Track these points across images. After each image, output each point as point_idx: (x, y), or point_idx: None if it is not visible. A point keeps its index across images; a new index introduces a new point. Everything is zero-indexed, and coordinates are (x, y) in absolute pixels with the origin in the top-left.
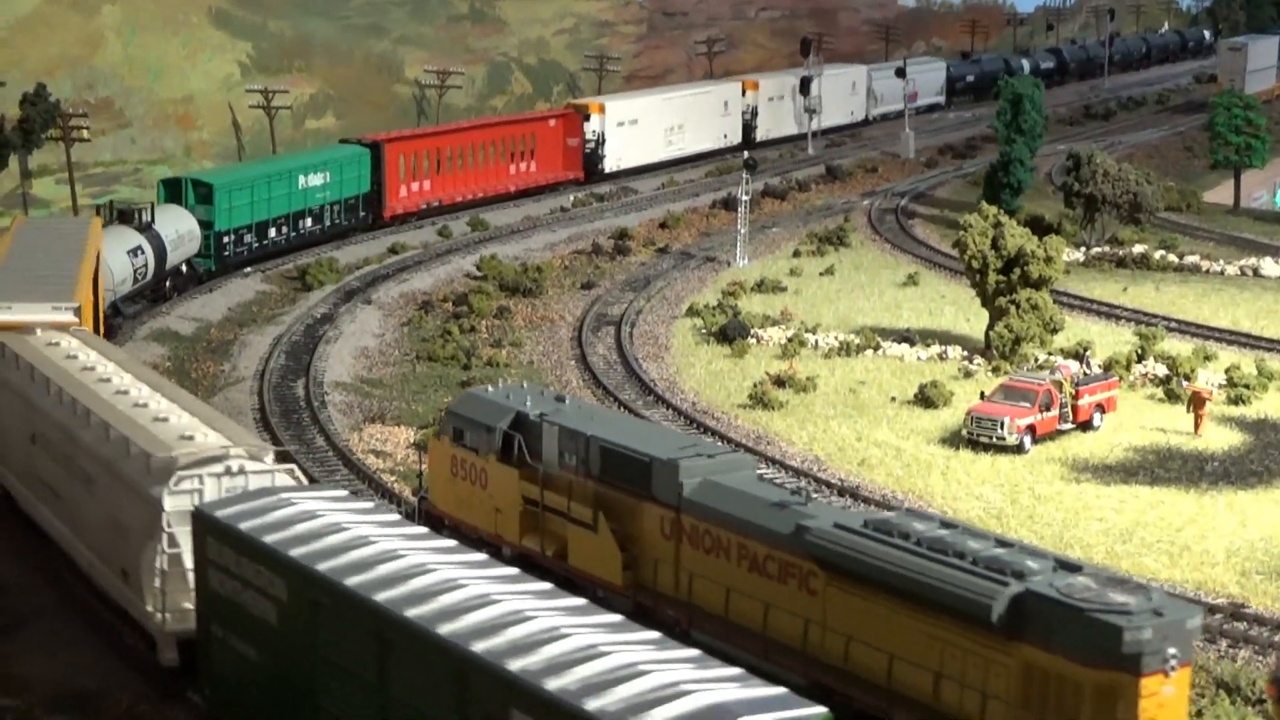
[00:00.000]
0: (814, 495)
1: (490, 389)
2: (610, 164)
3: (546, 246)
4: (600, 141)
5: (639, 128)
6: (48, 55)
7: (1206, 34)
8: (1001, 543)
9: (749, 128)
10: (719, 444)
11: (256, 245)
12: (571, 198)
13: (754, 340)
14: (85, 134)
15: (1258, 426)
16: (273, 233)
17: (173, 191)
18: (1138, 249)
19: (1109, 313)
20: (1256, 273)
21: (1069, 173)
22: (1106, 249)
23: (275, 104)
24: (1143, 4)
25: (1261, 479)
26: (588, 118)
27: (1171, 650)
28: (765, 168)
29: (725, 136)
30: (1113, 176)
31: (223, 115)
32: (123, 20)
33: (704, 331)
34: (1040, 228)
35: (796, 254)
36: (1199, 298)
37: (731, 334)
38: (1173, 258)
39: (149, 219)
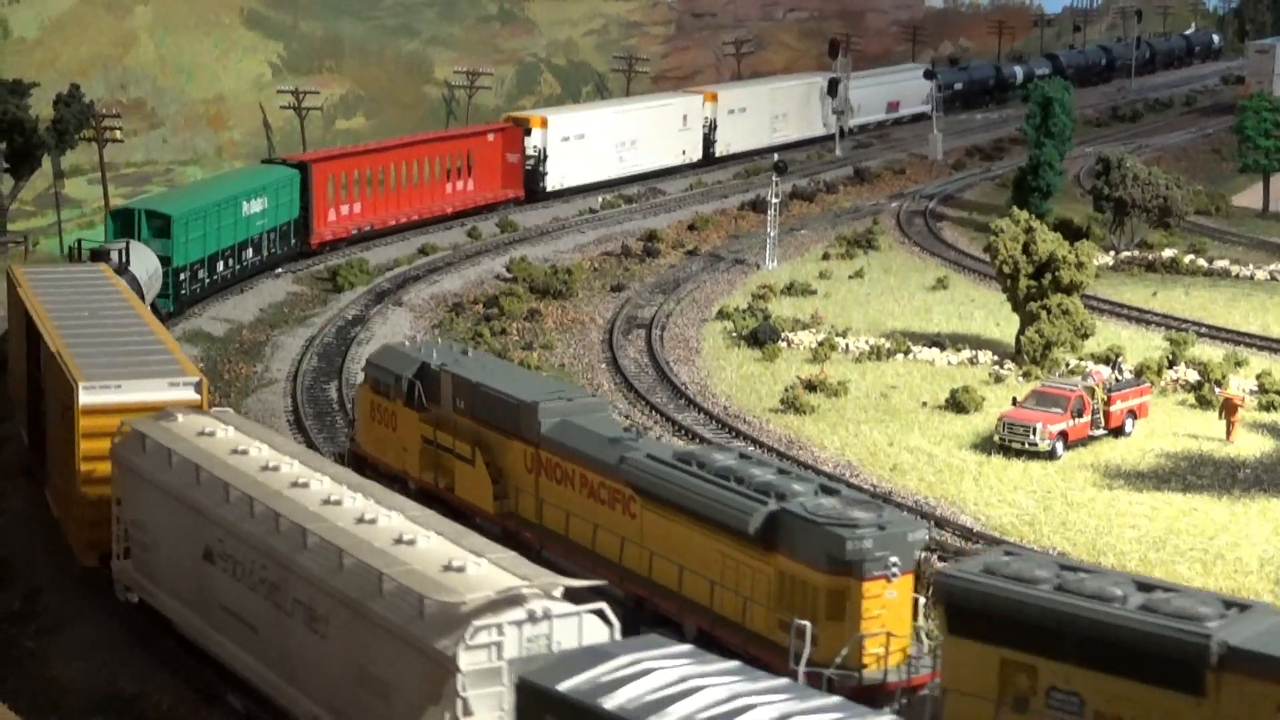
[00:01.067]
0: (645, 432)
1: (406, 344)
2: (552, 182)
3: (575, 248)
4: (542, 158)
5: (586, 143)
6: (80, 56)
7: (1215, 38)
8: (781, 471)
9: (710, 142)
10: (582, 389)
11: (208, 281)
12: (600, 199)
13: (784, 344)
14: (118, 134)
15: None
16: (220, 266)
17: (124, 223)
18: (1167, 253)
19: (1139, 317)
20: None
21: (1098, 176)
22: (1136, 253)
23: (306, 104)
24: (1170, 5)
25: None
26: (529, 132)
27: (894, 559)
28: (793, 170)
29: (684, 153)
30: (1142, 180)
31: (254, 116)
32: (155, 20)
33: (734, 335)
34: (1070, 231)
35: (825, 256)
36: (1229, 302)
37: (762, 337)
38: (1202, 262)
39: (124, 259)
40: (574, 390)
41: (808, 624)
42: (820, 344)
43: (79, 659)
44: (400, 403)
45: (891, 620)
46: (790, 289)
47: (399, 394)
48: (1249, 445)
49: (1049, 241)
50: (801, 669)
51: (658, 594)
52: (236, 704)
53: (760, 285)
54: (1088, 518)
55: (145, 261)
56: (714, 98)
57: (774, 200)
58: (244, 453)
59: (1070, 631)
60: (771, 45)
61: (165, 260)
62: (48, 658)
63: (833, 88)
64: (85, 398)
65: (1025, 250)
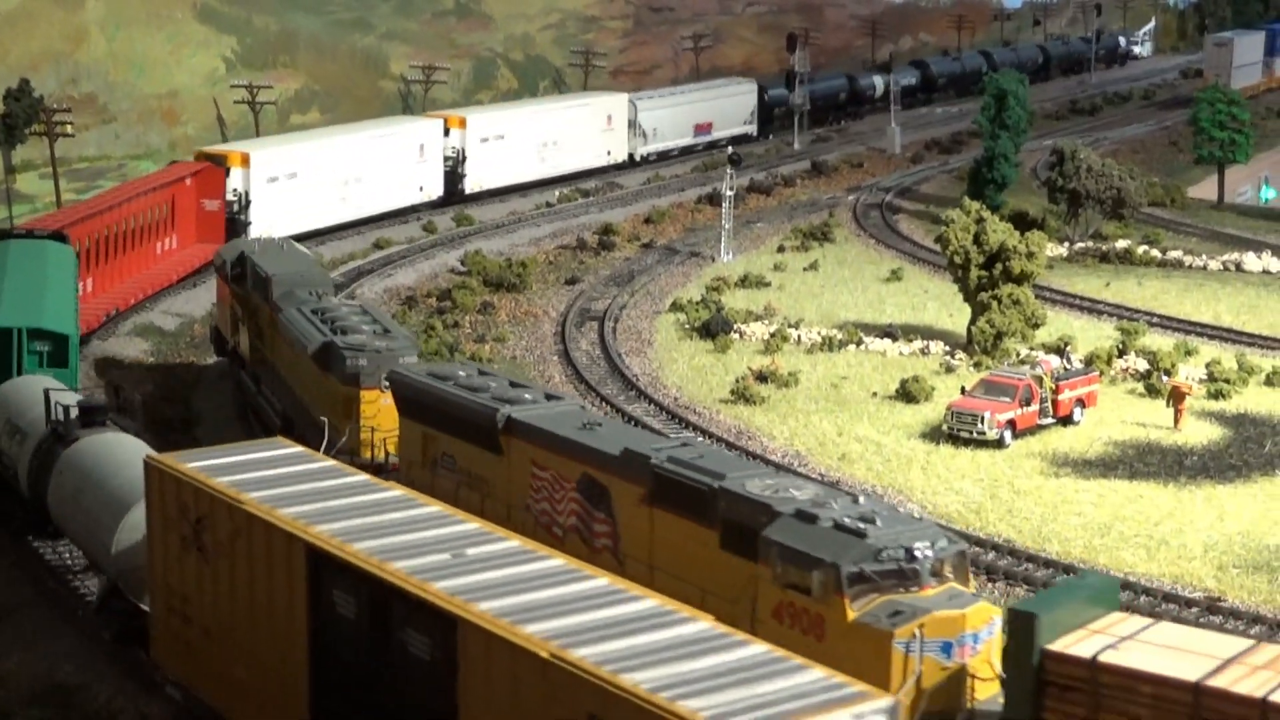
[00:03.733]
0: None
1: (244, 239)
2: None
3: (531, 242)
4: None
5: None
6: (31, 50)
7: (1123, 40)
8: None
9: (456, 178)
10: (324, 273)
11: None
12: (557, 193)
13: (737, 335)
14: (69, 129)
15: (1237, 421)
16: None
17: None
18: (1121, 244)
19: (1091, 308)
20: (1239, 268)
21: (1053, 168)
22: (1090, 244)
23: (260, 99)
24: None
25: (1240, 473)
26: (228, 171)
27: (384, 376)
28: (750, 163)
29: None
30: (1096, 172)
31: (207, 110)
32: (107, 15)
33: (687, 327)
34: (1024, 223)
35: (781, 249)
36: (1181, 293)
37: (715, 329)
38: (1156, 253)
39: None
40: (319, 275)
41: (325, 419)
42: (772, 335)
43: (19, 651)
44: (230, 285)
45: (382, 419)
46: (744, 281)
47: (229, 277)
48: (1196, 433)
49: (999, 232)
50: (322, 450)
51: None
52: (175, 694)
53: (715, 278)
54: (1034, 505)
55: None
56: (461, 123)
57: (729, 193)
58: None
59: (443, 412)
60: (730, 40)
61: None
62: None
63: (790, 81)
64: None
65: (976, 241)
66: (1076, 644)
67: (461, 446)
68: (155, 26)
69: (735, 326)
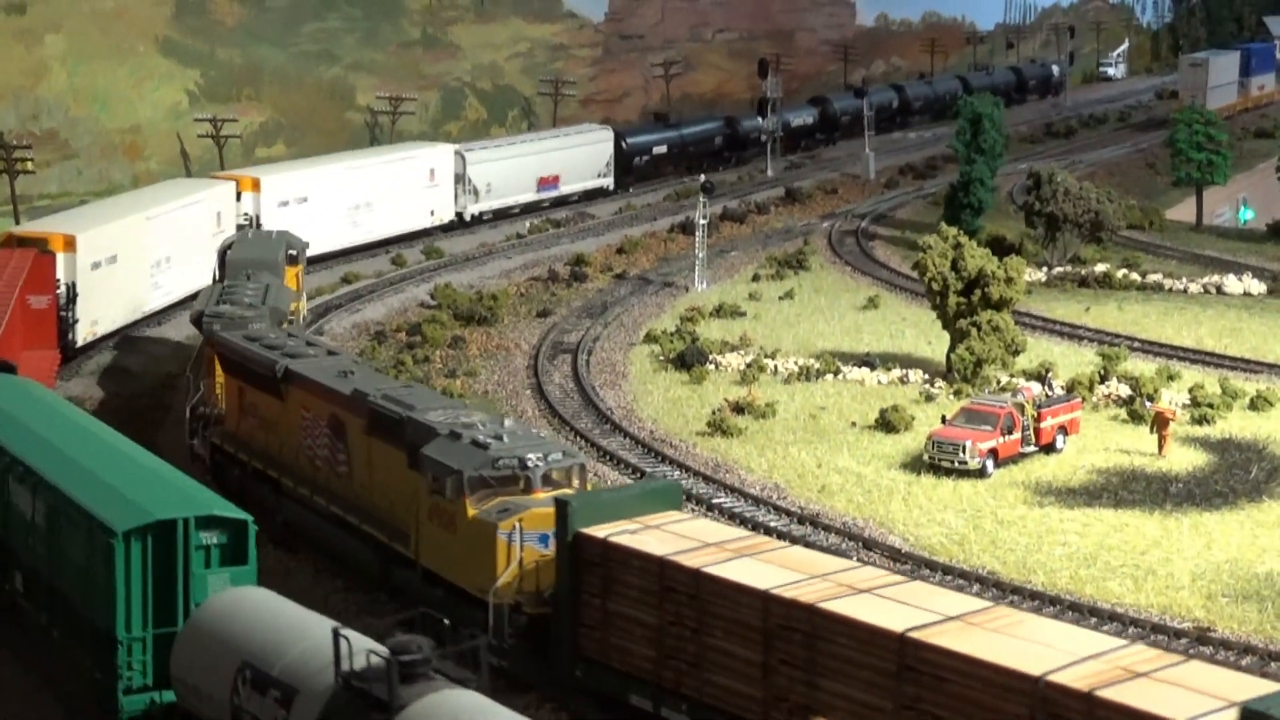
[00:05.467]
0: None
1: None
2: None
3: (502, 274)
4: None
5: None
6: None
7: (1056, 69)
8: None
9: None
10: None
11: None
12: (528, 224)
13: (712, 366)
14: (30, 165)
15: (1222, 446)
16: None
17: None
18: (1100, 268)
19: (1071, 333)
20: (1219, 290)
21: (1029, 192)
22: (1069, 268)
23: (224, 133)
24: (1104, 21)
25: (1226, 500)
26: (53, 255)
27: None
28: (723, 191)
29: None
30: (1074, 195)
31: (171, 145)
32: (68, 49)
33: (662, 358)
34: (1001, 248)
35: (756, 278)
36: (1162, 316)
37: (690, 360)
38: (1135, 276)
39: None
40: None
41: (190, 375)
42: (749, 366)
43: None
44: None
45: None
46: (719, 311)
47: None
48: (1181, 459)
49: (977, 257)
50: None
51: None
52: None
53: (689, 308)
54: (1018, 536)
55: None
56: (255, 185)
57: (702, 222)
58: None
59: (246, 367)
60: (701, 66)
61: None
62: None
63: (762, 108)
64: None
65: (954, 267)
66: (606, 530)
67: (258, 395)
68: (117, 60)
69: (711, 357)
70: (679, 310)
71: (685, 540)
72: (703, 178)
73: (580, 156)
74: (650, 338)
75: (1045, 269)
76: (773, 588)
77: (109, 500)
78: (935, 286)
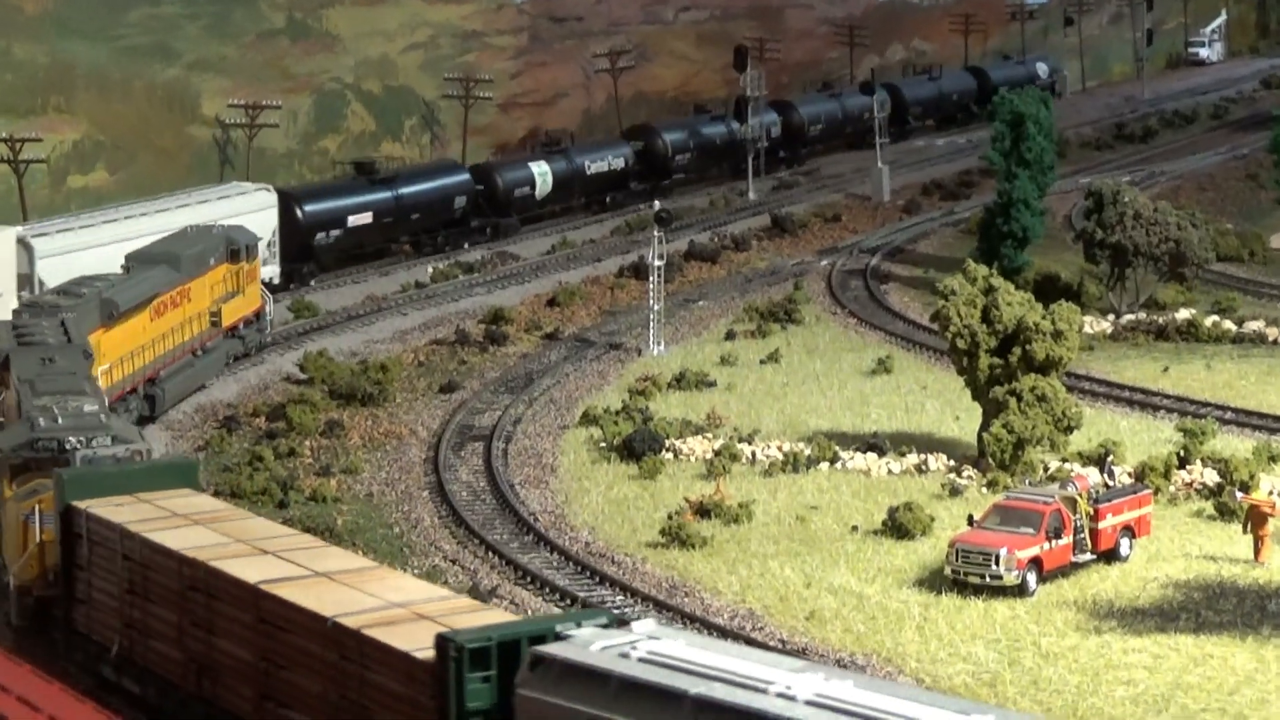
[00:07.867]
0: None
1: None
2: None
3: (395, 336)
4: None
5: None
6: None
7: (1043, 67)
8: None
9: None
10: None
11: None
12: (430, 269)
13: (670, 455)
14: None
15: None
16: None
17: None
18: (1183, 314)
19: (1144, 401)
20: None
21: (1089, 215)
22: (1142, 316)
23: (25, 157)
24: None
25: None
26: None
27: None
28: (690, 219)
29: None
30: (1146, 219)
31: None
32: None
33: (603, 445)
34: (1054, 290)
35: (730, 336)
36: (1263, 378)
37: (639, 448)
38: (1229, 325)
39: None
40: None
41: None
42: (718, 453)
43: None
44: None
45: None
46: (680, 381)
47: None
48: None
49: (1015, 305)
50: None
51: None
52: None
53: (640, 377)
54: (1068, 673)
55: None
56: None
57: (658, 263)
58: None
59: None
60: (661, 56)
61: None
62: None
63: (739, 109)
64: None
65: (985, 318)
66: (91, 503)
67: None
68: None
69: (668, 443)
70: (627, 381)
71: (159, 511)
72: (656, 204)
73: (253, 222)
74: (589, 418)
75: (1111, 317)
76: (186, 549)
77: None
78: (961, 344)
